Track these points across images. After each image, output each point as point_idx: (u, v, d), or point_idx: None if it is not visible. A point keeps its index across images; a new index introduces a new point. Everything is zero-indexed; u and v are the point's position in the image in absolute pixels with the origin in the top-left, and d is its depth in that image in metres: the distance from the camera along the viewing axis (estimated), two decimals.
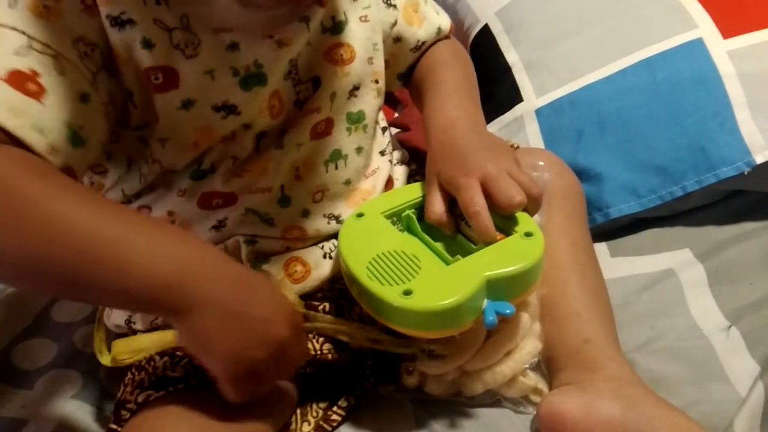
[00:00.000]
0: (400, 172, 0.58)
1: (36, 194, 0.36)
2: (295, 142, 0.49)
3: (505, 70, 0.76)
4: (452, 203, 0.48)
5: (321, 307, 0.51)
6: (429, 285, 0.43)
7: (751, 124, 0.64)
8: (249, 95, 0.46)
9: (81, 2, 0.40)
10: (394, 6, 0.56)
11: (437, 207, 0.47)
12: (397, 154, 0.59)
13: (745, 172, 0.63)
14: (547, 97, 0.72)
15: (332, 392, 0.51)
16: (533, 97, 0.73)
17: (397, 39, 0.57)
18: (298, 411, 0.50)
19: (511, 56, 0.77)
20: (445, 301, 0.42)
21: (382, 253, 0.46)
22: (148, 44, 0.42)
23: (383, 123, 0.58)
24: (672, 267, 0.62)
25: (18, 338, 0.59)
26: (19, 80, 0.37)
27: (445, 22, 0.61)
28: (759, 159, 0.63)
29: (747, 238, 0.64)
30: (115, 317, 0.53)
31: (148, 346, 0.47)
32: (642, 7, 0.72)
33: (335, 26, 0.50)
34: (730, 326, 0.54)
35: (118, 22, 0.41)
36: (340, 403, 0.50)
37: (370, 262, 0.45)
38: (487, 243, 0.46)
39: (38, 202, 0.36)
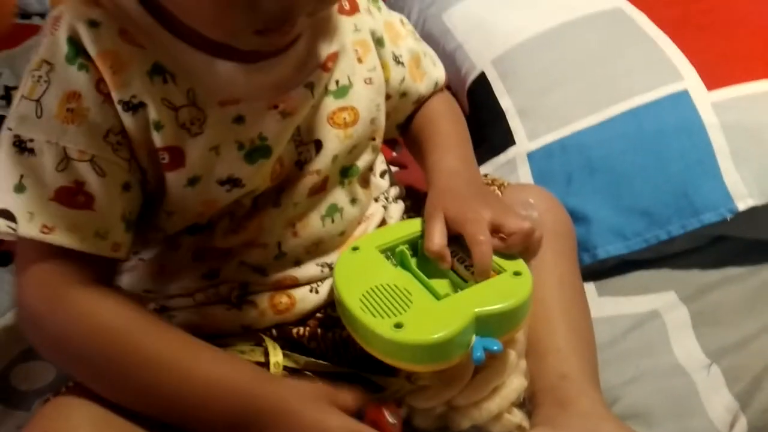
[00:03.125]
0: (395, 210, 0.60)
1: (135, 339, 0.42)
2: (291, 201, 0.51)
3: (500, 114, 0.79)
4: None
5: (296, 331, 0.52)
6: (420, 319, 0.45)
7: (733, 172, 0.67)
8: (253, 168, 0.47)
9: (98, 93, 0.42)
10: (402, 63, 0.58)
11: (438, 239, 0.49)
12: (393, 191, 0.61)
13: (728, 219, 0.66)
14: (539, 141, 0.75)
15: None
16: (525, 141, 0.76)
17: (403, 94, 0.59)
18: None
19: (506, 102, 0.80)
20: (435, 335, 0.43)
21: (375, 287, 0.47)
22: (158, 126, 0.43)
23: (382, 167, 0.60)
24: (657, 308, 0.64)
25: (17, 360, 0.60)
26: (67, 196, 0.41)
27: (441, 75, 0.63)
28: (741, 206, 0.65)
29: (730, 283, 0.66)
30: None
31: None
32: (629, 58, 0.76)
33: (339, 90, 0.51)
34: (711, 364, 0.56)
35: (131, 107, 0.42)
36: None
37: (363, 295, 0.47)
38: (480, 279, 0.47)
39: (139, 347, 0.42)
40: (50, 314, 0.42)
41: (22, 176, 0.42)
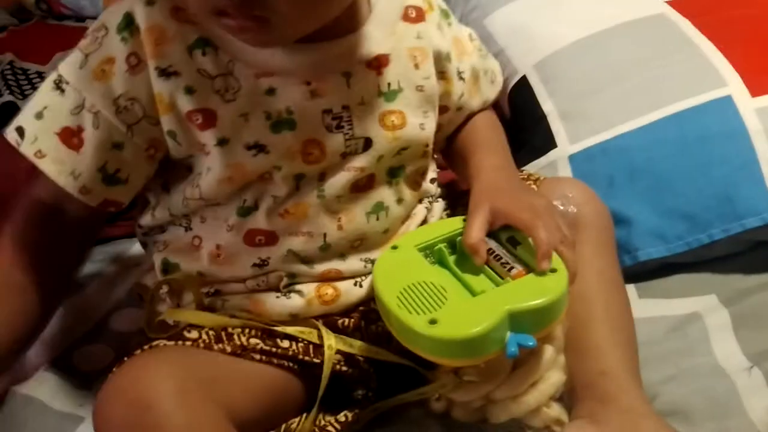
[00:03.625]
0: (437, 208, 0.62)
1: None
2: (335, 193, 0.53)
3: (541, 118, 0.81)
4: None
5: (341, 322, 0.55)
6: (454, 315, 0.46)
7: None
8: (278, 138, 0.50)
9: (127, 64, 0.48)
10: (464, 80, 0.60)
11: (476, 233, 0.50)
12: (436, 191, 0.63)
13: None
14: (581, 144, 0.76)
15: (337, 404, 0.54)
16: (567, 144, 0.77)
17: (459, 108, 0.61)
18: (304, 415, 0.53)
19: (547, 106, 0.81)
20: (468, 332, 0.44)
21: (412, 284, 0.49)
22: (190, 91, 0.49)
23: (433, 174, 0.61)
24: (698, 311, 0.65)
25: (79, 341, 0.63)
26: (67, 135, 0.50)
27: (493, 94, 0.66)
28: None
29: None
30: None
31: (203, 321, 0.52)
32: (672, 63, 0.76)
33: (389, 93, 0.54)
34: (752, 367, 0.56)
35: (165, 73, 0.48)
36: (339, 417, 0.52)
37: (400, 292, 0.48)
38: (544, 266, 0.48)
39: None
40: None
41: (45, 107, 0.50)
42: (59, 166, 0.50)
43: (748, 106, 0.71)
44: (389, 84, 0.54)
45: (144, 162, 0.52)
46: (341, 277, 0.55)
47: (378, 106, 0.53)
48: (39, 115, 0.50)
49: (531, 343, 0.45)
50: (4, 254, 0.52)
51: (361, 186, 0.54)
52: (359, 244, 0.55)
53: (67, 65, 0.50)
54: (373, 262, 0.55)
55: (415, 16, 0.56)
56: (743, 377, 0.56)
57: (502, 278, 0.50)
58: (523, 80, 0.85)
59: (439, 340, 0.45)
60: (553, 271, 0.48)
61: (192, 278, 0.54)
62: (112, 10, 0.49)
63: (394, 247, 0.54)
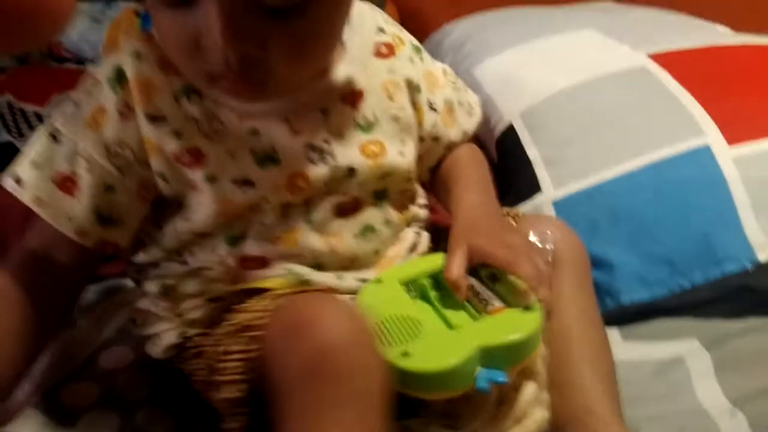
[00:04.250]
0: (425, 237, 0.63)
1: None
2: (322, 218, 0.55)
3: (527, 164, 0.83)
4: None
5: None
6: (427, 348, 0.47)
7: (754, 224, 0.69)
8: (264, 173, 0.52)
9: (117, 113, 0.51)
10: (436, 110, 0.62)
11: (456, 269, 0.52)
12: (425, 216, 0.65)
13: (749, 269, 0.68)
14: (565, 189, 0.78)
15: None
16: (551, 189, 0.79)
17: (435, 138, 0.63)
18: None
19: (533, 152, 0.83)
20: (437, 365, 0.45)
21: (391, 316, 0.50)
22: (177, 134, 0.51)
23: (423, 200, 0.64)
24: (681, 354, 0.66)
25: (66, 379, 0.63)
26: (63, 181, 0.52)
27: (472, 126, 0.67)
28: (762, 257, 0.67)
29: (753, 332, 0.67)
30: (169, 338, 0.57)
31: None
32: (652, 113, 0.79)
33: (367, 125, 0.56)
34: (734, 410, 0.57)
35: (153, 119, 0.51)
36: None
37: (379, 324, 0.49)
38: (536, 297, 0.49)
39: None
40: None
41: (41, 155, 0.52)
42: (56, 211, 0.52)
43: (726, 154, 0.73)
44: (365, 116, 0.56)
45: (137, 203, 0.54)
46: (338, 292, 0.55)
47: (357, 138, 0.55)
48: (35, 164, 0.52)
49: (501, 379, 0.46)
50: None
51: (348, 209, 0.56)
52: (351, 264, 0.57)
53: (61, 115, 0.53)
54: (367, 281, 0.57)
55: (386, 52, 0.58)
56: (726, 420, 0.57)
57: (480, 314, 0.51)
58: (510, 128, 0.88)
59: (409, 373, 0.46)
60: (528, 308, 0.49)
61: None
62: (102, 64, 0.52)
63: (378, 280, 0.55)
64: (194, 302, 0.55)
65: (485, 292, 0.52)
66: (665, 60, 0.87)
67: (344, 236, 0.56)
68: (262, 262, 0.54)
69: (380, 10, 0.61)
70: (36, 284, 0.54)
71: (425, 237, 0.63)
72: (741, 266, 0.68)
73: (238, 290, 0.54)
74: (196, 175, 0.52)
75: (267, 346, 0.45)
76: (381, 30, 0.59)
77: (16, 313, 0.53)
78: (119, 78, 0.51)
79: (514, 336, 0.47)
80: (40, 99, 1.35)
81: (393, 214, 0.59)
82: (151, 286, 0.57)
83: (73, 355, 0.66)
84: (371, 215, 0.57)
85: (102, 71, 0.52)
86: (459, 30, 1.15)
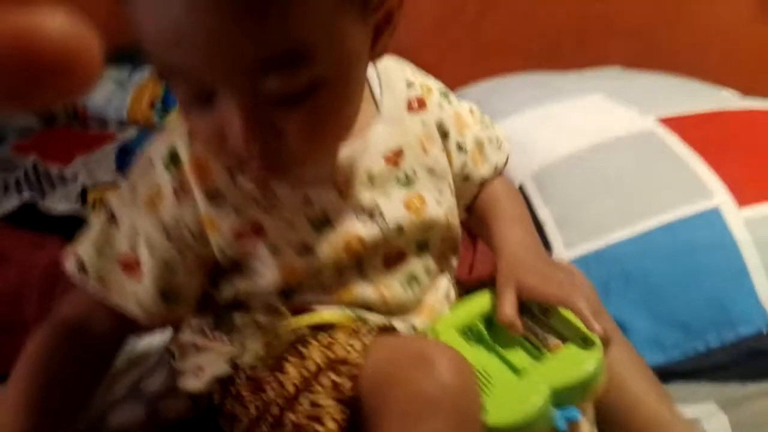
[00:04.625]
0: (453, 285, 0.65)
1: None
2: (372, 269, 0.57)
3: (538, 224, 0.84)
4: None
5: None
6: (503, 401, 0.48)
7: (767, 287, 0.69)
8: (321, 237, 0.54)
9: (173, 194, 0.52)
10: (465, 151, 0.64)
11: (509, 309, 0.53)
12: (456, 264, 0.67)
13: (764, 332, 0.67)
14: (576, 250, 0.79)
15: None
16: (563, 250, 0.80)
17: (465, 178, 0.65)
18: None
19: (544, 213, 0.84)
20: (517, 417, 0.47)
21: None
22: (236, 210, 0.52)
23: (458, 249, 0.65)
24: (698, 417, 0.64)
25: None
26: (126, 263, 0.53)
27: (502, 159, 0.69)
28: None
29: None
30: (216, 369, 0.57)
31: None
32: (661, 176, 0.80)
33: (407, 181, 0.58)
34: None
35: (212, 197, 0.52)
36: None
37: None
38: (601, 340, 0.51)
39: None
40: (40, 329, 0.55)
41: (104, 239, 0.53)
42: (122, 293, 0.53)
43: (736, 216, 0.74)
44: (405, 172, 0.58)
45: (197, 277, 0.55)
46: (393, 329, 0.57)
47: (400, 194, 0.57)
48: (98, 249, 0.53)
49: (576, 415, 0.47)
50: (37, 357, 0.53)
51: (394, 260, 0.58)
52: (398, 310, 0.58)
53: (118, 198, 0.54)
54: (413, 326, 0.58)
55: (417, 106, 0.61)
56: None
57: (540, 351, 0.52)
58: (521, 189, 0.90)
59: (493, 428, 0.47)
60: (586, 341, 0.51)
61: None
62: (155, 147, 0.54)
63: (435, 331, 0.56)
64: (249, 331, 0.56)
65: (541, 328, 0.53)
66: (673, 124, 0.89)
67: (393, 286, 0.58)
68: (316, 305, 0.56)
69: (405, 62, 0.64)
70: (71, 351, 0.54)
71: (452, 283, 0.65)
72: (756, 329, 0.67)
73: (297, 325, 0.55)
74: (258, 247, 0.53)
75: (368, 382, 0.47)
76: (410, 84, 0.61)
77: (65, 369, 0.53)
78: (174, 159, 0.52)
79: (582, 372, 0.48)
80: (64, 160, 1.39)
81: (432, 263, 0.61)
82: (199, 321, 0.58)
83: (83, 413, 0.66)
84: (414, 265, 0.59)
85: (156, 152, 0.53)
86: (474, 93, 1.19)
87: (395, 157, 0.57)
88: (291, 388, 0.51)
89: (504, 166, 0.70)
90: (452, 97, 0.66)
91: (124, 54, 1.85)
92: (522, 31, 1.71)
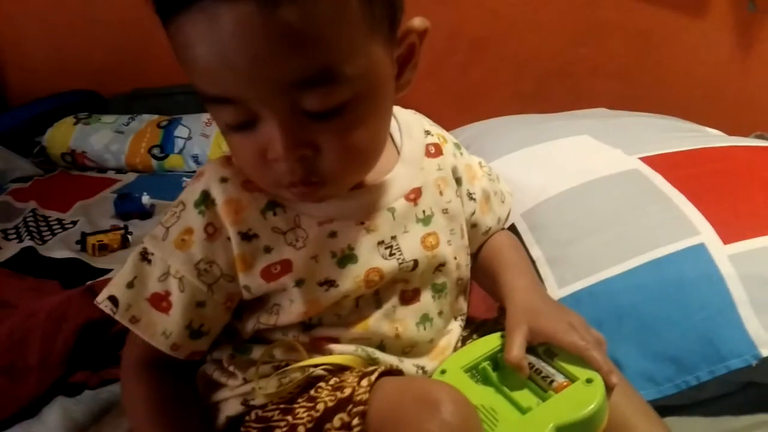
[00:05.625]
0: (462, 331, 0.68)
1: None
2: (390, 306, 0.59)
3: (531, 263, 0.86)
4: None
5: None
6: None
7: (754, 320, 0.70)
8: (344, 272, 0.57)
9: (204, 233, 0.55)
10: (475, 199, 0.69)
11: (517, 351, 0.56)
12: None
13: (753, 364, 0.68)
14: (568, 288, 0.80)
15: None
16: (555, 287, 0.81)
17: (473, 225, 0.69)
18: None
19: (535, 252, 0.86)
20: None
21: None
22: (267, 249, 0.56)
23: (465, 294, 0.68)
24: None
25: None
26: (157, 300, 0.56)
27: (504, 212, 0.74)
28: (765, 352, 0.68)
29: (763, 427, 0.67)
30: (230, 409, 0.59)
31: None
32: (648, 214, 0.82)
33: (425, 219, 0.62)
34: None
35: (246, 237, 0.56)
36: None
37: None
38: (608, 378, 0.53)
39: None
40: (123, 379, 0.60)
41: (135, 277, 0.56)
42: (152, 329, 0.56)
43: (721, 253, 0.76)
44: (424, 211, 0.62)
45: (222, 314, 0.58)
46: (402, 374, 0.59)
47: (418, 231, 0.61)
48: (130, 285, 0.56)
49: None
50: (144, 401, 0.58)
51: (409, 298, 0.61)
52: (410, 350, 0.61)
53: (151, 238, 0.57)
54: (423, 369, 0.60)
55: (434, 151, 0.66)
56: None
57: (545, 391, 0.54)
58: (512, 227, 0.91)
59: None
60: (590, 381, 0.53)
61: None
62: (188, 189, 0.58)
63: (443, 371, 0.58)
64: (264, 369, 0.58)
65: (546, 368, 0.55)
66: (656, 162, 0.92)
67: (408, 323, 0.60)
68: (333, 341, 0.58)
69: (423, 116, 0.70)
70: (165, 373, 0.58)
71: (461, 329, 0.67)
72: (746, 362, 0.69)
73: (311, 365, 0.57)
74: (286, 282, 0.56)
75: (375, 422, 0.48)
76: (428, 132, 0.67)
77: (171, 399, 0.58)
78: (206, 201, 0.56)
79: (585, 410, 0.50)
80: (64, 206, 1.41)
81: (446, 306, 0.64)
82: (217, 353, 0.60)
83: None
84: (428, 305, 0.62)
85: (189, 196, 0.57)
86: (463, 135, 1.22)
87: (415, 196, 0.61)
88: (302, 429, 0.52)
89: (506, 219, 0.74)
90: (464, 149, 0.71)
91: (123, 101, 1.89)
92: (510, 73, 1.76)
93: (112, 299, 0.56)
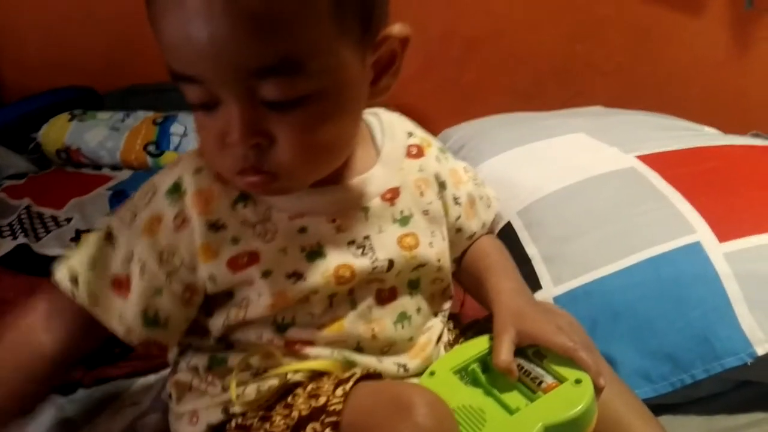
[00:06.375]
0: (446, 328, 0.67)
1: None
2: (365, 306, 0.59)
3: (526, 261, 0.85)
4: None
5: None
6: None
7: (750, 318, 0.71)
8: (312, 265, 0.56)
9: (173, 224, 0.55)
10: (460, 204, 0.68)
11: (506, 354, 0.55)
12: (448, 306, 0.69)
13: (748, 363, 0.68)
14: (564, 286, 0.80)
15: None
16: (551, 286, 0.81)
17: (458, 230, 0.69)
18: None
19: (531, 250, 0.86)
20: None
21: (454, 409, 0.52)
22: (235, 240, 0.55)
23: (450, 293, 0.67)
24: None
25: None
26: (117, 283, 0.56)
27: (490, 217, 0.73)
28: (760, 351, 0.68)
29: (758, 426, 0.67)
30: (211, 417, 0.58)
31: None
32: (644, 212, 0.82)
33: (402, 219, 0.61)
34: None
35: (214, 227, 0.55)
36: None
37: None
38: (596, 379, 0.53)
39: None
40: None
41: (99, 256, 0.56)
42: (108, 311, 0.56)
43: (717, 251, 0.76)
44: (401, 211, 0.61)
45: (181, 306, 0.57)
46: (381, 376, 0.58)
47: (395, 231, 0.60)
48: (92, 265, 0.56)
49: None
50: (27, 321, 0.58)
51: (385, 298, 0.60)
52: (389, 349, 0.60)
53: (118, 219, 0.57)
54: (404, 367, 0.60)
55: (416, 153, 0.65)
56: None
57: (534, 392, 0.54)
58: (508, 226, 0.91)
59: None
60: (579, 381, 0.53)
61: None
62: (162, 174, 0.57)
63: (432, 373, 0.58)
64: (242, 377, 0.57)
65: (535, 370, 0.55)
66: (653, 160, 0.92)
67: (385, 323, 0.60)
68: (308, 344, 0.57)
69: (408, 119, 0.69)
70: (56, 338, 0.57)
71: (446, 326, 0.67)
72: (741, 360, 0.69)
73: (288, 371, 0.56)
74: (253, 273, 0.56)
75: (348, 429, 0.48)
76: (411, 134, 0.66)
77: (35, 356, 0.57)
78: (177, 189, 0.55)
79: (574, 410, 0.50)
80: (58, 203, 1.40)
81: (424, 303, 0.63)
82: (195, 359, 0.59)
83: None
84: (406, 303, 0.61)
85: (161, 182, 0.56)
86: (459, 134, 1.22)
87: (392, 196, 0.61)
88: None
89: (491, 224, 0.73)
90: (449, 154, 0.71)
91: (118, 97, 1.88)
92: (505, 71, 1.76)
93: (73, 279, 0.56)
